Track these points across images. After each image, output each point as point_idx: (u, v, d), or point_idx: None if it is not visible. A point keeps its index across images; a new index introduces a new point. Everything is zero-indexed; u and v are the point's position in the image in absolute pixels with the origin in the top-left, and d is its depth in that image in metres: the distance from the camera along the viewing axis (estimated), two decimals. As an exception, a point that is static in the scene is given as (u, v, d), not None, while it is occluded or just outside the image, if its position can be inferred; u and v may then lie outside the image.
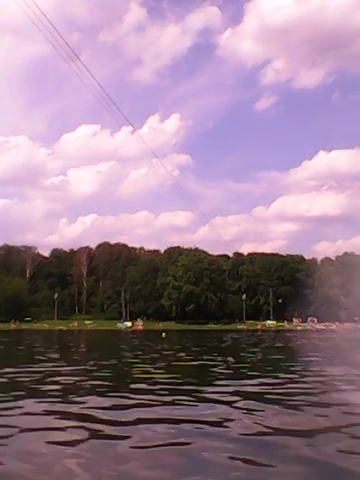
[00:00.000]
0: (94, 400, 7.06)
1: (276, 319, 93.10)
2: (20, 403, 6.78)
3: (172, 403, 6.81)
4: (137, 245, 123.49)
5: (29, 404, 6.67)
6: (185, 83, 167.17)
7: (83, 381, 9.35)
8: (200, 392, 7.83)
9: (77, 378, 9.80)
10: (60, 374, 10.45)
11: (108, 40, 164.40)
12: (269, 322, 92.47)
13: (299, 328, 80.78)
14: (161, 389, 8.17)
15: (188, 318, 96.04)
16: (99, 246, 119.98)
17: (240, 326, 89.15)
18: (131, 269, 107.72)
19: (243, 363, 13.82)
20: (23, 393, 7.80)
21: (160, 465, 4.08)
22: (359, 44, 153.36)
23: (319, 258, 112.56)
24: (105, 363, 13.57)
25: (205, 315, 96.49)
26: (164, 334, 40.99)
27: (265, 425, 5.34)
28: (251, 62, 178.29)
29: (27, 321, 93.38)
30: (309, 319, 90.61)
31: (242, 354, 18.58)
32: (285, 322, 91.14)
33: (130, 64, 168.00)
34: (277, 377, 9.94)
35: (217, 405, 6.64)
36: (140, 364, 13.14)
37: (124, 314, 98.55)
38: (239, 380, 9.54)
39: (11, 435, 4.99)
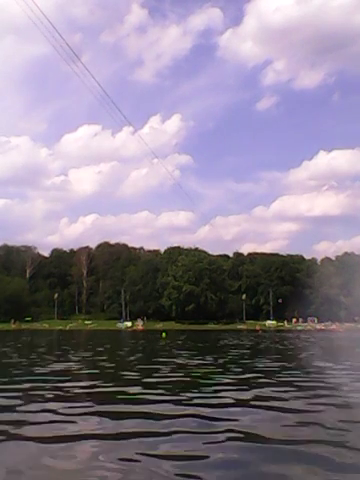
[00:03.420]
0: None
1: (276, 319, 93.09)
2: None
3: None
4: (137, 245, 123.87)
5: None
6: (186, 84, 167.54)
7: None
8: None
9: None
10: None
11: (109, 41, 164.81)
12: (269, 322, 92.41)
13: (299, 328, 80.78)
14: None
15: (188, 318, 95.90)
16: (99, 246, 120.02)
17: (240, 326, 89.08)
18: (131, 269, 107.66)
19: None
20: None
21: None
22: (359, 44, 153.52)
23: (319, 258, 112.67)
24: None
25: (205, 315, 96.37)
26: (164, 334, 40.94)
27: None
28: (252, 63, 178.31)
29: (27, 321, 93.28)
30: (309, 319, 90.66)
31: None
32: (285, 322, 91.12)
33: (131, 65, 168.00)
34: None
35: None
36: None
37: (124, 314, 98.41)
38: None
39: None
